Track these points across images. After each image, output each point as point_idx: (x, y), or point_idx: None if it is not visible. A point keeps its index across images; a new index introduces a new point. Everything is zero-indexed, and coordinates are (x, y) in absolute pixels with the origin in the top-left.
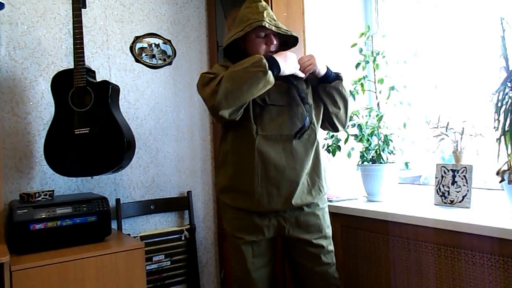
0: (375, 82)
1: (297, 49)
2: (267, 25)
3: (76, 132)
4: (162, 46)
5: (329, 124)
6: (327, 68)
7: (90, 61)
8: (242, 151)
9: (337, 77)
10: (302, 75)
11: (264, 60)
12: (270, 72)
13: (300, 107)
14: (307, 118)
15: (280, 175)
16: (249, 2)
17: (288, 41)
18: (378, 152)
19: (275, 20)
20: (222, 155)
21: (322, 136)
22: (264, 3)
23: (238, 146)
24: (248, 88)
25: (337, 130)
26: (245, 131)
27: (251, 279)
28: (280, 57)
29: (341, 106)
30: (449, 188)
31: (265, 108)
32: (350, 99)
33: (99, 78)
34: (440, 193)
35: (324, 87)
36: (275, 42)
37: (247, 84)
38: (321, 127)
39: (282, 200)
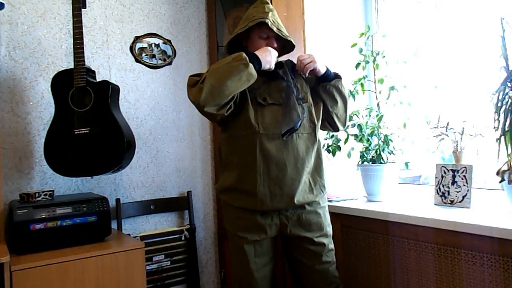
0: (375, 82)
1: (297, 49)
2: (269, 24)
3: (76, 132)
4: (162, 46)
5: (329, 124)
6: (326, 67)
7: (90, 61)
8: (244, 151)
9: (336, 76)
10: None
11: (245, 55)
12: (251, 65)
13: (300, 106)
14: (300, 121)
15: (282, 173)
16: (257, 3)
17: (286, 47)
18: (378, 152)
19: (278, 23)
20: (224, 157)
21: (322, 136)
22: (271, 6)
23: (240, 146)
24: (231, 82)
25: (337, 130)
26: (246, 130)
27: (253, 278)
28: (259, 52)
29: (341, 104)
30: (449, 188)
31: (266, 107)
32: (349, 99)
33: (99, 78)
34: (440, 193)
35: (324, 86)
36: (275, 45)
37: (230, 78)
38: (320, 127)
39: (285, 199)
